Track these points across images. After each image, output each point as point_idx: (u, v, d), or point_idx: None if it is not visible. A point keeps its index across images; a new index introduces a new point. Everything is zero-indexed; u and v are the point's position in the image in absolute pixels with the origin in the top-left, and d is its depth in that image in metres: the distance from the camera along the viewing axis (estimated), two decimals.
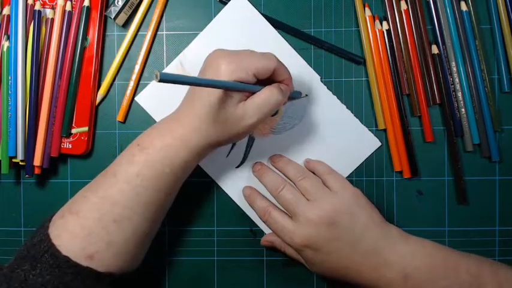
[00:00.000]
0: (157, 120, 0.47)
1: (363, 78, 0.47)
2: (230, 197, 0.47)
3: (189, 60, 0.47)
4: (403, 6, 0.46)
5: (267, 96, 0.37)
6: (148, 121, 0.47)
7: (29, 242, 0.37)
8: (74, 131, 0.46)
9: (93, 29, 0.46)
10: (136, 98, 0.47)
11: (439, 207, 0.47)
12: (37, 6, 0.45)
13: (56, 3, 0.45)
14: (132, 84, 0.47)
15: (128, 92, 0.47)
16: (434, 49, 0.46)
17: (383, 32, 0.46)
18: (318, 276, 0.47)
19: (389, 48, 0.46)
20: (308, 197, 0.41)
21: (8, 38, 0.45)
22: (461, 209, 0.47)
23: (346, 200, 0.40)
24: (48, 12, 0.45)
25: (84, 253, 0.35)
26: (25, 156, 0.45)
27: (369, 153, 0.47)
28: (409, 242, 0.39)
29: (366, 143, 0.47)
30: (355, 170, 0.47)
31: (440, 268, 0.38)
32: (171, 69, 0.47)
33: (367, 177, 0.47)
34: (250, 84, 0.37)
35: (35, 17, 0.45)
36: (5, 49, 0.45)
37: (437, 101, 0.46)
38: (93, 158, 0.48)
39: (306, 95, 0.46)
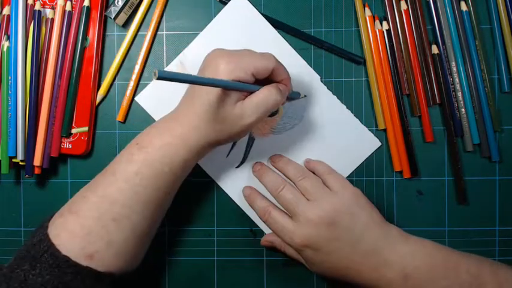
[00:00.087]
0: (157, 120, 0.47)
1: (363, 78, 0.47)
2: (230, 197, 0.47)
3: (189, 60, 0.47)
4: (403, 6, 0.46)
5: (265, 95, 0.37)
6: (148, 121, 0.47)
7: (28, 242, 0.37)
8: (74, 131, 0.46)
9: (93, 29, 0.46)
10: (136, 98, 0.47)
11: (439, 207, 0.47)
12: (37, 6, 0.45)
13: (56, 3, 0.45)
14: (132, 84, 0.47)
15: (128, 92, 0.47)
16: (434, 49, 0.46)
17: (383, 32, 0.46)
18: (318, 276, 0.47)
19: (389, 48, 0.46)
20: (308, 197, 0.41)
21: (8, 38, 0.45)
22: (461, 209, 0.47)
23: (346, 200, 0.40)
24: (48, 12, 0.45)
25: (84, 252, 0.35)
26: (25, 156, 0.45)
27: (369, 153, 0.47)
28: (409, 242, 0.39)
29: (366, 143, 0.47)
30: (355, 170, 0.47)
31: (440, 268, 0.38)
32: (171, 69, 0.47)
33: (367, 177, 0.47)
34: (249, 84, 0.37)
35: (35, 17, 0.45)
36: (5, 49, 0.45)
37: (437, 101, 0.46)
38: (93, 158, 0.48)
39: (305, 96, 0.46)
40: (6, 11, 0.45)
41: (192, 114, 0.38)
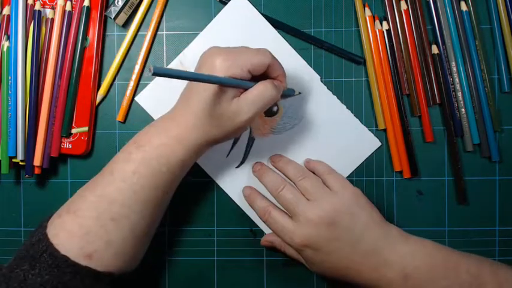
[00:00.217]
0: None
1: (363, 78, 0.47)
2: (230, 197, 0.47)
3: (189, 60, 0.47)
4: (403, 6, 0.46)
5: (260, 91, 0.37)
6: (148, 121, 0.47)
7: (27, 241, 0.37)
8: (74, 131, 0.46)
9: (93, 29, 0.46)
10: (136, 98, 0.47)
11: (439, 207, 0.47)
12: (37, 6, 0.45)
13: (56, 3, 0.45)
14: (132, 84, 0.47)
15: (128, 92, 0.47)
16: (434, 49, 0.46)
17: (383, 32, 0.46)
18: (318, 276, 0.47)
19: (389, 48, 0.46)
20: (308, 197, 0.41)
21: (8, 38, 0.45)
22: (461, 209, 0.47)
23: (346, 200, 0.40)
24: (48, 12, 0.45)
25: (83, 252, 0.35)
26: (25, 156, 0.45)
27: (369, 153, 0.47)
28: (409, 242, 0.39)
29: (366, 143, 0.47)
30: (355, 170, 0.47)
31: (440, 268, 0.38)
32: None
33: (367, 177, 0.47)
34: (245, 81, 0.37)
35: (35, 17, 0.45)
36: (5, 49, 0.45)
37: (437, 101, 0.46)
38: (93, 158, 0.48)
39: (299, 93, 0.46)
40: (6, 11, 0.45)
41: (189, 113, 0.38)
